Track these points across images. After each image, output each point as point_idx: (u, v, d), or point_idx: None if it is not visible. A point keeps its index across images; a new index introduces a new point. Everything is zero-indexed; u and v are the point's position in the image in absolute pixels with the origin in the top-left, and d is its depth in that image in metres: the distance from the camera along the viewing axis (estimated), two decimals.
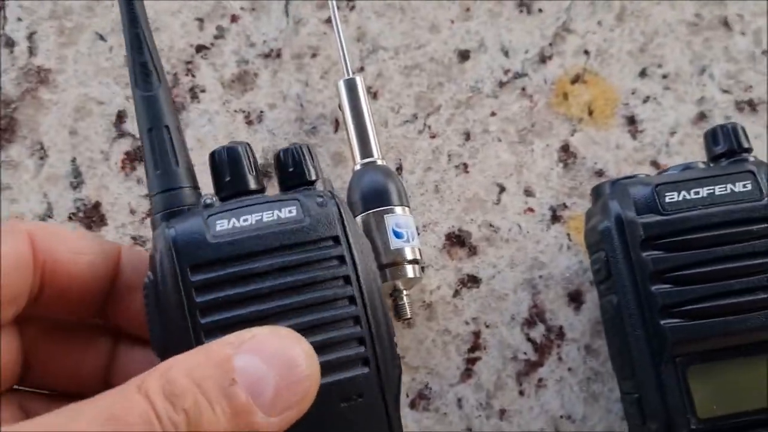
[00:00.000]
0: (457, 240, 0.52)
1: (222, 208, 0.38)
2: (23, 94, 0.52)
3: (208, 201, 0.39)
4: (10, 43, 0.53)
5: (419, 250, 0.48)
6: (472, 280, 0.51)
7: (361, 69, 0.54)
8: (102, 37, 0.53)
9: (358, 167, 0.49)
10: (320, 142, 0.53)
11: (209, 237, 0.37)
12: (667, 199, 0.45)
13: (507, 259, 0.52)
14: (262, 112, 0.53)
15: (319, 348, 0.35)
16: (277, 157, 0.41)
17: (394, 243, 0.47)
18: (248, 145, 0.40)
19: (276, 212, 0.38)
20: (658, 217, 0.44)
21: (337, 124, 0.53)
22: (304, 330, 0.35)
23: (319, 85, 0.54)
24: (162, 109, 0.40)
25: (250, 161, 0.40)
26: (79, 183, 0.51)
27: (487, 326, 0.51)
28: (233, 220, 0.37)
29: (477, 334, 0.50)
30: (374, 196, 0.47)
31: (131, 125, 0.52)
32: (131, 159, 0.52)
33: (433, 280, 0.51)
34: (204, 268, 0.36)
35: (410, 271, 0.47)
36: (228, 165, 0.40)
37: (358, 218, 0.47)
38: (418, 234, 0.52)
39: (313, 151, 0.41)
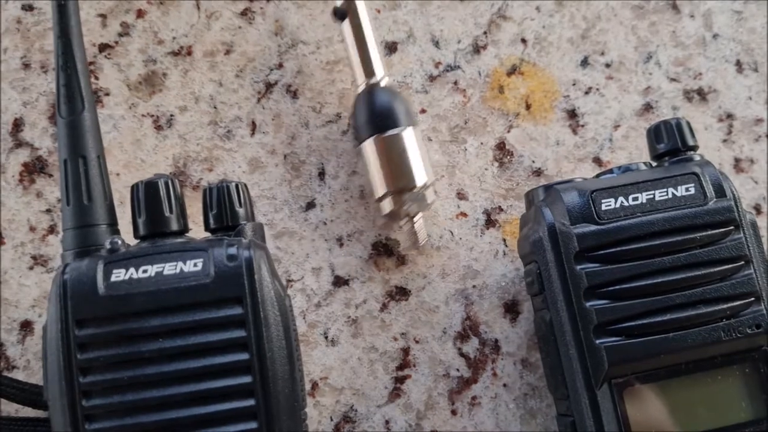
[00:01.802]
0: (384, 249, 0.48)
1: (124, 255, 0.35)
2: None
3: (114, 245, 0.36)
4: None
5: (431, 171, 0.46)
6: (401, 293, 0.48)
7: (280, 66, 0.50)
8: None
9: (360, 88, 0.46)
10: (235, 146, 0.49)
11: (101, 288, 0.34)
12: (603, 207, 0.42)
13: (438, 269, 0.48)
14: (172, 115, 0.49)
15: (206, 421, 0.33)
16: (204, 193, 0.38)
17: (405, 167, 0.45)
18: (172, 179, 0.37)
19: (180, 264, 0.35)
20: (594, 227, 0.41)
21: (254, 127, 0.49)
22: (190, 399, 0.33)
23: (233, 84, 0.50)
24: (82, 137, 0.38)
25: (171, 199, 0.37)
26: None
27: (417, 342, 0.47)
28: (132, 270, 0.35)
29: (406, 351, 0.47)
30: (380, 119, 0.45)
31: (30, 133, 0.48)
32: (30, 171, 0.48)
33: (359, 294, 0.48)
34: (89, 323, 0.34)
35: (423, 195, 0.45)
36: (145, 203, 0.37)
37: (367, 143, 0.45)
38: (341, 245, 0.49)
39: (245, 192, 0.38)
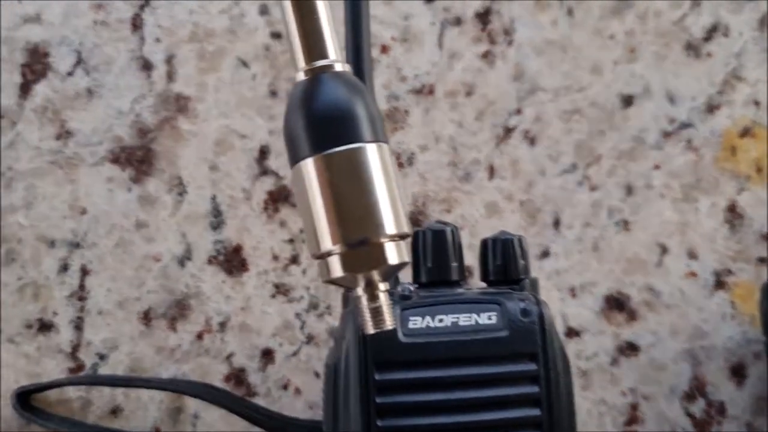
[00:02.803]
0: (616, 304, 0.49)
1: (418, 302, 0.35)
2: (161, 122, 0.49)
3: (406, 291, 0.36)
4: (148, 66, 0.49)
5: (405, 216, 0.29)
6: (631, 348, 0.48)
7: (519, 111, 0.50)
8: (245, 64, 0.49)
9: (301, 76, 0.29)
10: (474, 189, 0.49)
11: (401, 335, 0.34)
12: None
13: (668, 327, 0.49)
14: (413, 153, 0.49)
15: None
16: (484, 245, 0.38)
17: (368, 206, 0.28)
18: (455, 228, 0.37)
19: (474, 316, 0.35)
20: None
21: (492, 171, 0.50)
22: None
23: (473, 126, 0.50)
24: None
25: (455, 248, 0.37)
26: (219, 223, 0.48)
27: (645, 398, 0.48)
28: (428, 318, 0.35)
29: (634, 406, 0.48)
30: (326, 127, 0.28)
31: (275, 162, 0.49)
32: (275, 199, 0.48)
33: (590, 346, 0.48)
34: (391, 368, 0.35)
35: (392, 252, 0.28)
36: (432, 250, 0.37)
37: (304, 164, 0.28)
38: (573, 295, 0.49)
39: (525, 245, 0.38)
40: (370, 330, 0.28)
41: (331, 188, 0.27)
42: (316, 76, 0.28)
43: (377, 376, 0.34)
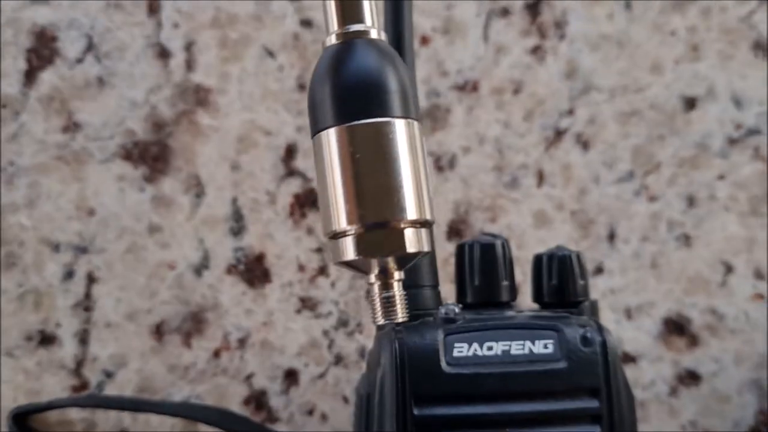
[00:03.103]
0: (676, 327, 0.44)
1: (464, 327, 0.31)
2: (179, 116, 0.44)
3: (450, 312, 0.32)
4: (165, 54, 0.44)
5: (430, 202, 0.26)
6: (691, 377, 0.44)
7: (570, 112, 0.46)
8: (271, 54, 0.45)
9: (332, 40, 0.26)
10: (521, 197, 0.45)
11: (444, 364, 0.30)
12: None
13: (732, 354, 0.44)
14: (454, 155, 0.45)
15: None
16: (537, 261, 0.34)
17: (390, 187, 0.25)
18: (506, 242, 0.33)
19: (528, 344, 0.31)
20: None
21: (541, 177, 0.45)
22: None
23: (521, 127, 0.46)
24: None
25: (506, 264, 0.33)
26: (240, 228, 0.44)
27: None
28: (475, 345, 0.31)
29: None
30: (353, 97, 0.25)
31: (302, 162, 0.44)
32: (301, 204, 0.44)
33: (647, 374, 0.44)
34: (431, 402, 0.30)
35: (411, 239, 0.26)
36: (480, 267, 0.33)
37: (326, 134, 0.26)
38: (629, 317, 0.44)
39: (584, 262, 0.34)
40: (380, 320, 0.26)
41: (352, 163, 0.25)
42: (349, 41, 0.26)
43: (416, 411, 0.30)
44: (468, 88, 0.46)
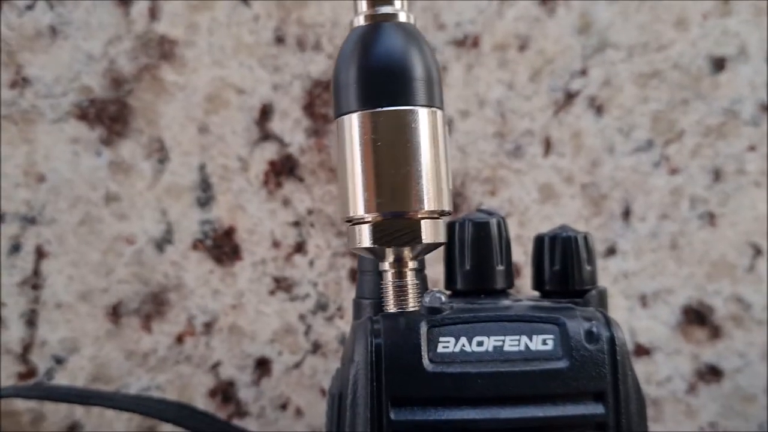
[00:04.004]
0: (696, 316, 0.40)
1: (451, 318, 0.28)
2: (140, 72, 0.39)
3: (435, 301, 0.28)
4: (126, 1, 0.39)
5: (449, 193, 0.26)
6: (713, 373, 0.39)
7: (583, 72, 0.40)
8: (245, 1, 0.40)
9: (360, 21, 0.26)
10: (525, 167, 0.40)
11: (426, 361, 0.27)
12: None
13: (759, 348, 0.40)
14: (451, 120, 0.40)
15: None
16: (539, 243, 0.30)
17: (411, 176, 0.25)
18: (503, 220, 0.28)
19: (525, 340, 0.28)
20: None
21: (548, 145, 0.40)
22: None
23: (527, 89, 0.40)
24: None
25: (502, 246, 0.29)
26: (208, 199, 0.39)
27: None
28: (463, 340, 0.28)
29: None
30: (378, 82, 0.25)
31: (279, 124, 0.39)
32: (277, 172, 0.39)
33: (663, 369, 0.39)
34: (411, 405, 0.27)
35: (428, 230, 0.26)
36: (472, 249, 0.30)
37: (349, 118, 0.26)
38: (644, 305, 0.40)
39: (592, 245, 0.29)
40: (392, 308, 0.27)
41: (374, 150, 0.25)
42: (378, 23, 0.26)
43: (393, 416, 0.27)
44: (468, 43, 0.41)
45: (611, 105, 0.41)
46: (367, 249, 0.26)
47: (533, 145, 0.41)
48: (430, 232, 0.26)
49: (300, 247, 0.39)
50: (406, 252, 0.26)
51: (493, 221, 0.29)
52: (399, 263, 0.26)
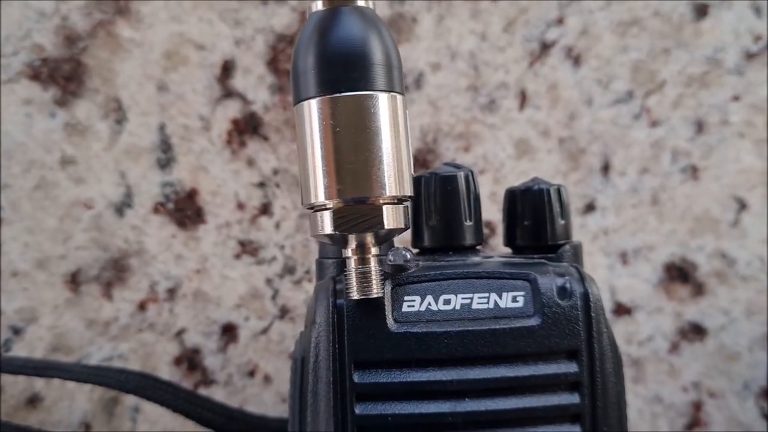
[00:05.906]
0: (679, 273, 0.38)
1: (417, 276, 0.27)
2: (94, 28, 0.37)
3: (399, 258, 0.27)
4: None
5: (410, 177, 0.26)
6: (696, 331, 0.38)
7: (560, 21, 0.39)
8: None
9: (319, 5, 0.26)
10: (500, 122, 0.38)
11: (390, 321, 0.26)
12: None
13: (743, 305, 0.38)
14: (421, 74, 0.38)
15: None
16: (510, 197, 0.29)
17: (371, 161, 0.25)
18: (472, 173, 0.27)
19: (494, 297, 0.27)
20: None
21: (524, 99, 0.38)
22: None
23: (501, 40, 0.39)
24: None
25: (470, 200, 0.28)
26: (168, 160, 0.37)
27: (712, 395, 0.37)
28: (429, 299, 0.27)
29: (698, 406, 0.37)
30: (337, 68, 0.25)
31: (242, 81, 0.37)
32: (241, 131, 0.37)
33: (644, 328, 0.38)
34: (374, 366, 0.26)
35: (390, 215, 0.25)
36: (440, 203, 0.28)
37: (308, 104, 0.25)
38: (625, 262, 0.38)
39: (566, 198, 0.28)
40: (355, 295, 0.26)
41: (333, 136, 0.25)
42: (336, 8, 0.26)
43: (357, 378, 0.26)
44: None
45: (589, 55, 0.39)
46: (328, 236, 0.26)
47: (508, 99, 0.39)
48: (393, 217, 0.25)
49: (265, 209, 0.38)
50: (369, 238, 0.26)
51: (461, 174, 0.28)
52: (362, 249, 0.26)
